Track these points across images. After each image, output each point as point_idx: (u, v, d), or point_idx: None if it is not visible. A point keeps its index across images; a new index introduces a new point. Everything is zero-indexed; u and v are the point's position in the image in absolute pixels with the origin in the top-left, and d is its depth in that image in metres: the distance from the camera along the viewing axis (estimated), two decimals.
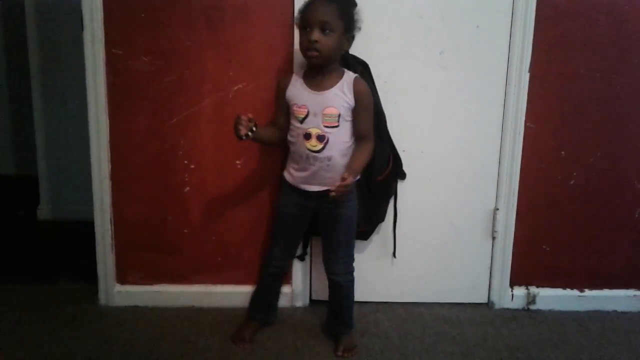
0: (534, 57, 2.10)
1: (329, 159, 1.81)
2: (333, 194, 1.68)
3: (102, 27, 2.01)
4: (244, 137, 1.76)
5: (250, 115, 1.77)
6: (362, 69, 2.00)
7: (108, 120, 2.08)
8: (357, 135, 1.85)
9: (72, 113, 2.99)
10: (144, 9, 2.01)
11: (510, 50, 2.10)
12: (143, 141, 2.11)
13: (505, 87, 2.13)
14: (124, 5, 2.01)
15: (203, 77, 2.07)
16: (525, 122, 2.15)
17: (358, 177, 1.88)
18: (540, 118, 2.16)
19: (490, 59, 2.11)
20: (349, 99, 1.79)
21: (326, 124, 1.79)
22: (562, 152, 2.19)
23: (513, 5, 2.06)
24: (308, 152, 1.81)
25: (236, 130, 1.75)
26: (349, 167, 1.80)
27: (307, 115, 1.80)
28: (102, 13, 2.00)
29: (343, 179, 1.68)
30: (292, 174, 1.90)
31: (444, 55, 2.10)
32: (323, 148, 1.80)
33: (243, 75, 2.06)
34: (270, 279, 2.04)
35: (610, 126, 2.19)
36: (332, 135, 1.79)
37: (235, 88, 2.07)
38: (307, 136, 1.81)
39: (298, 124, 1.82)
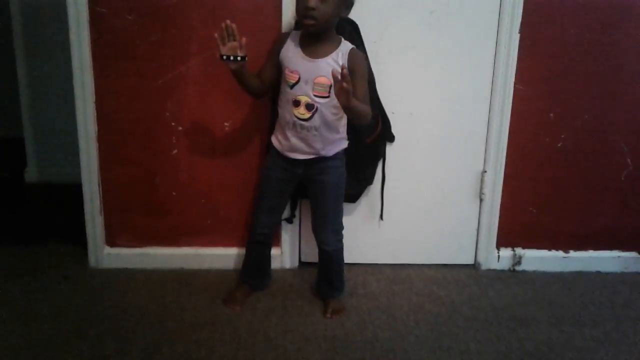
0: (525, 18, 2.08)
1: (316, 129, 1.79)
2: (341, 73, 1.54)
3: None
4: (224, 58, 1.68)
5: (244, 40, 1.68)
6: (350, 28, 1.97)
7: (93, 81, 2.05)
8: None
9: (57, 73, 2.94)
10: None
11: (501, 10, 2.07)
12: (129, 102, 2.08)
13: (496, 48, 2.11)
14: None
15: (189, 37, 2.03)
16: (515, 83, 2.14)
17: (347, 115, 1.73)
18: (529, 80, 2.15)
19: (481, 20, 2.09)
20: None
21: (316, 94, 1.76)
22: (551, 115, 2.19)
23: None
24: (295, 119, 1.79)
25: (220, 45, 1.68)
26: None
27: (297, 82, 1.77)
28: None
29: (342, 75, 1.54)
30: (279, 141, 1.88)
31: (434, 15, 2.07)
32: (311, 117, 1.78)
33: None
34: (258, 247, 2.04)
35: (599, 89, 2.18)
36: (322, 105, 1.77)
37: None
38: (296, 103, 1.78)
39: (288, 89, 1.79)
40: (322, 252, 1.99)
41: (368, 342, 1.81)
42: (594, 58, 2.15)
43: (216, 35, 1.68)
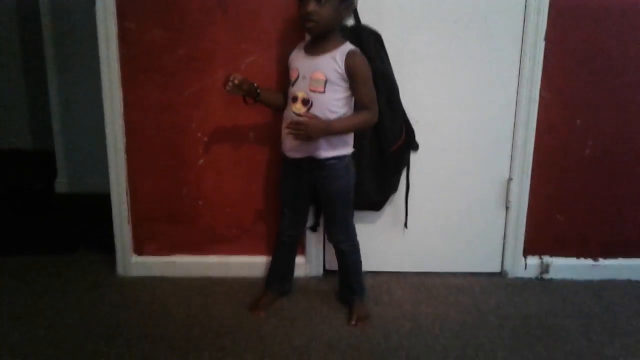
0: (550, 25, 2.07)
1: None
2: (287, 130, 1.76)
3: (114, 1, 2.01)
4: (228, 89, 1.81)
5: (238, 80, 1.81)
6: (374, 39, 1.99)
7: (122, 94, 2.10)
8: (358, 107, 1.83)
9: (87, 87, 3.01)
10: None
11: (526, 18, 2.07)
12: (157, 114, 2.12)
13: (520, 56, 2.10)
14: None
15: (215, 49, 2.07)
16: (540, 91, 2.13)
17: (327, 133, 1.79)
18: (555, 87, 2.14)
19: (505, 28, 2.09)
20: (339, 67, 1.76)
21: (312, 88, 1.79)
22: (577, 121, 2.17)
23: None
24: (293, 114, 1.82)
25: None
26: (332, 120, 1.77)
27: (297, 78, 1.82)
28: None
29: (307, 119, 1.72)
30: (283, 141, 1.91)
31: (457, 24, 2.07)
32: (307, 112, 1.80)
33: (255, 47, 2.06)
34: (283, 249, 2.07)
35: (626, 95, 2.16)
36: (317, 100, 1.78)
37: (248, 60, 2.07)
38: (294, 99, 1.82)
39: (290, 88, 1.85)
40: (338, 252, 2.01)
41: (393, 350, 1.81)
42: (621, 65, 2.13)
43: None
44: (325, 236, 2.07)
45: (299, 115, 1.80)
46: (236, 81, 1.80)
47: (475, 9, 2.06)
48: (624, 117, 2.18)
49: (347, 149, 1.89)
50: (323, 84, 1.78)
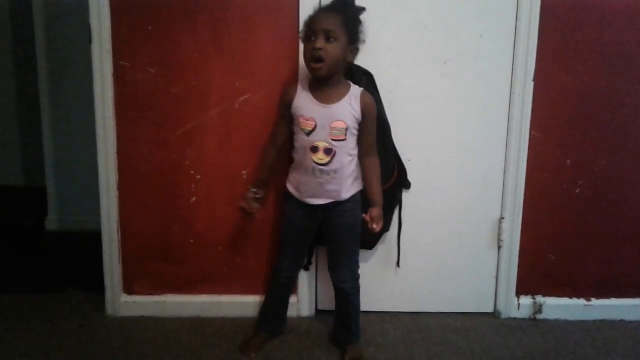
0: (538, 65, 2.11)
1: (335, 171, 1.82)
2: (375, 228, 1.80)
3: (110, 40, 2.03)
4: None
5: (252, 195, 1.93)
6: (366, 78, 2.01)
7: (115, 132, 2.10)
8: (364, 150, 1.87)
9: (80, 124, 3.01)
10: (151, 22, 2.03)
11: (515, 59, 2.10)
12: (150, 152, 2.13)
13: (510, 96, 2.13)
14: (131, 17, 2.03)
15: (209, 88, 2.08)
16: (530, 130, 2.15)
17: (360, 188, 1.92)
18: (545, 126, 2.16)
19: (495, 68, 2.12)
20: (357, 113, 1.80)
21: (333, 137, 1.79)
22: (568, 161, 2.19)
23: (517, 15, 2.07)
24: (314, 164, 1.82)
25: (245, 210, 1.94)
26: (373, 200, 1.86)
27: (314, 129, 1.80)
28: (109, 25, 2.02)
29: (371, 218, 1.79)
30: (297, 188, 1.90)
31: (448, 64, 2.11)
32: (330, 161, 1.81)
33: (249, 85, 2.08)
34: (279, 290, 2.04)
35: (615, 134, 2.19)
36: (339, 148, 1.80)
37: (241, 99, 2.09)
38: (314, 149, 1.81)
39: (304, 137, 1.82)
40: (339, 292, 1.98)
41: None
42: (609, 104, 2.16)
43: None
44: (330, 276, 2.02)
45: (322, 164, 1.81)
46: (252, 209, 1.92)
47: (465, 50, 2.10)
48: (614, 156, 2.20)
49: (360, 185, 1.91)
50: (344, 131, 1.79)
